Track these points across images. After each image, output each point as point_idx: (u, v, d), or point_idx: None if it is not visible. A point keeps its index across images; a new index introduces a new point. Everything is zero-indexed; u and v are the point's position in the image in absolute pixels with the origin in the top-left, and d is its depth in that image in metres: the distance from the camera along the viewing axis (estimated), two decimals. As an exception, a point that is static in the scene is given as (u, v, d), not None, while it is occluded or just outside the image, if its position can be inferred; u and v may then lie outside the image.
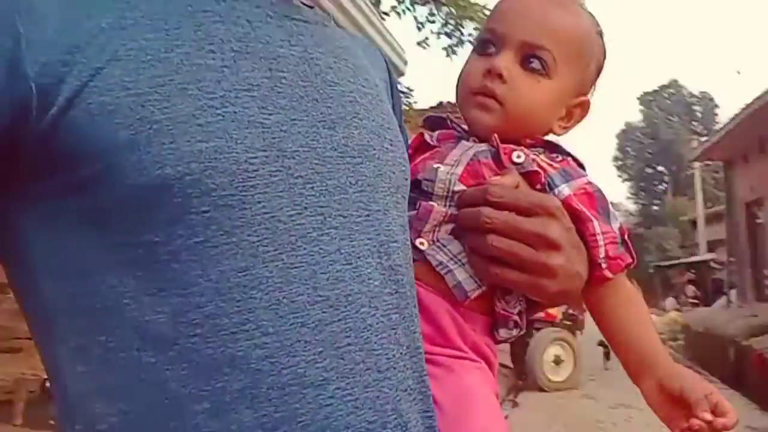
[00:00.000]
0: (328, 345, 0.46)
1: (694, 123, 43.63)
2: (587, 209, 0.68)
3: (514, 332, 0.70)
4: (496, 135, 0.69)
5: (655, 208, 43.07)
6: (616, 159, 47.17)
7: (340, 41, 0.58)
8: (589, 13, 0.75)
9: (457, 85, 0.75)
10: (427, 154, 0.71)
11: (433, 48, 8.81)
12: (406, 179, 0.60)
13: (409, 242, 0.60)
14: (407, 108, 8.89)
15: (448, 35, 8.78)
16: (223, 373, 0.44)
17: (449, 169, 0.68)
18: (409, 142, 0.73)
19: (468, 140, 0.72)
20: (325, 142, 0.50)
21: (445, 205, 0.66)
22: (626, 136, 46.29)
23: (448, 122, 0.76)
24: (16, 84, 0.40)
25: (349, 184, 0.51)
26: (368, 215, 0.52)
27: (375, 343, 0.49)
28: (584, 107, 0.76)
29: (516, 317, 0.68)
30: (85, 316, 0.45)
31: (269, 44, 0.49)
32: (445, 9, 8.57)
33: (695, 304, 16.52)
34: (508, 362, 7.38)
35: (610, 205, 0.70)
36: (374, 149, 0.54)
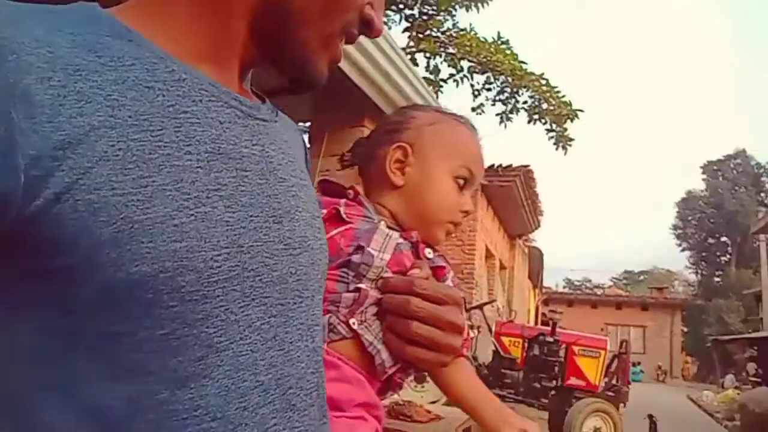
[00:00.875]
0: (260, 427, 0.49)
1: (761, 194, 42.08)
2: None
3: (396, 392, 0.88)
4: (417, 233, 0.85)
5: (716, 279, 41.24)
6: (675, 227, 45.70)
7: (284, 135, 0.61)
8: None
9: (432, 205, 0.87)
10: (342, 229, 0.82)
11: (487, 114, 8.98)
12: (327, 263, 0.64)
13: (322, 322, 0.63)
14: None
15: (503, 102, 8.92)
16: None
17: (378, 254, 0.79)
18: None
19: (379, 222, 0.84)
20: (274, 236, 0.53)
21: (373, 288, 0.79)
22: (687, 204, 44.92)
23: (350, 196, 0.88)
24: (6, 173, 0.39)
25: (290, 274, 0.54)
26: (301, 302, 0.56)
27: (297, 421, 0.53)
28: None
29: (403, 382, 0.85)
30: (35, 397, 0.44)
31: (236, 145, 0.52)
32: (501, 77, 8.75)
33: (756, 383, 15.63)
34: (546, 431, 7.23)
35: None
36: (309, 240, 0.58)
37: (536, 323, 14.29)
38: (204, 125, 0.50)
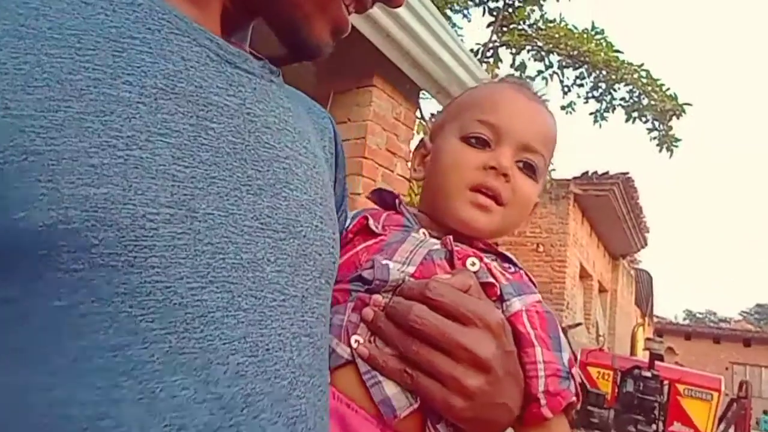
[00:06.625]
0: None
1: None
2: (535, 331, 0.62)
3: None
4: (450, 237, 0.66)
5: None
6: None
7: (285, 101, 0.53)
8: None
9: (441, 175, 0.70)
10: (370, 242, 0.67)
11: (579, 113, 8.31)
12: (334, 263, 0.54)
13: (327, 338, 0.53)
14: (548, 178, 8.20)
15: (597, 99, 8.08)
16: None
17: (400, 266, 0.63)
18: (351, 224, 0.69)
19: (417, 231, 0.68)
20: (246, 209, 0.44)
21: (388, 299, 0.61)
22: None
23: (397, 205, 0.73)
24: None
25: (267, 262, 0.44)
26: (284, 300, 0.45)
27: None
28: (536, 208, 0.75)
29: None
30: None
31: (202, 88, 0.44)
32: (594, 72, 7.93)
33: None
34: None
35: (561, 332, 0.64)
36: (301, 225, 0.48)
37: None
38: (157, 56, 0.43)
